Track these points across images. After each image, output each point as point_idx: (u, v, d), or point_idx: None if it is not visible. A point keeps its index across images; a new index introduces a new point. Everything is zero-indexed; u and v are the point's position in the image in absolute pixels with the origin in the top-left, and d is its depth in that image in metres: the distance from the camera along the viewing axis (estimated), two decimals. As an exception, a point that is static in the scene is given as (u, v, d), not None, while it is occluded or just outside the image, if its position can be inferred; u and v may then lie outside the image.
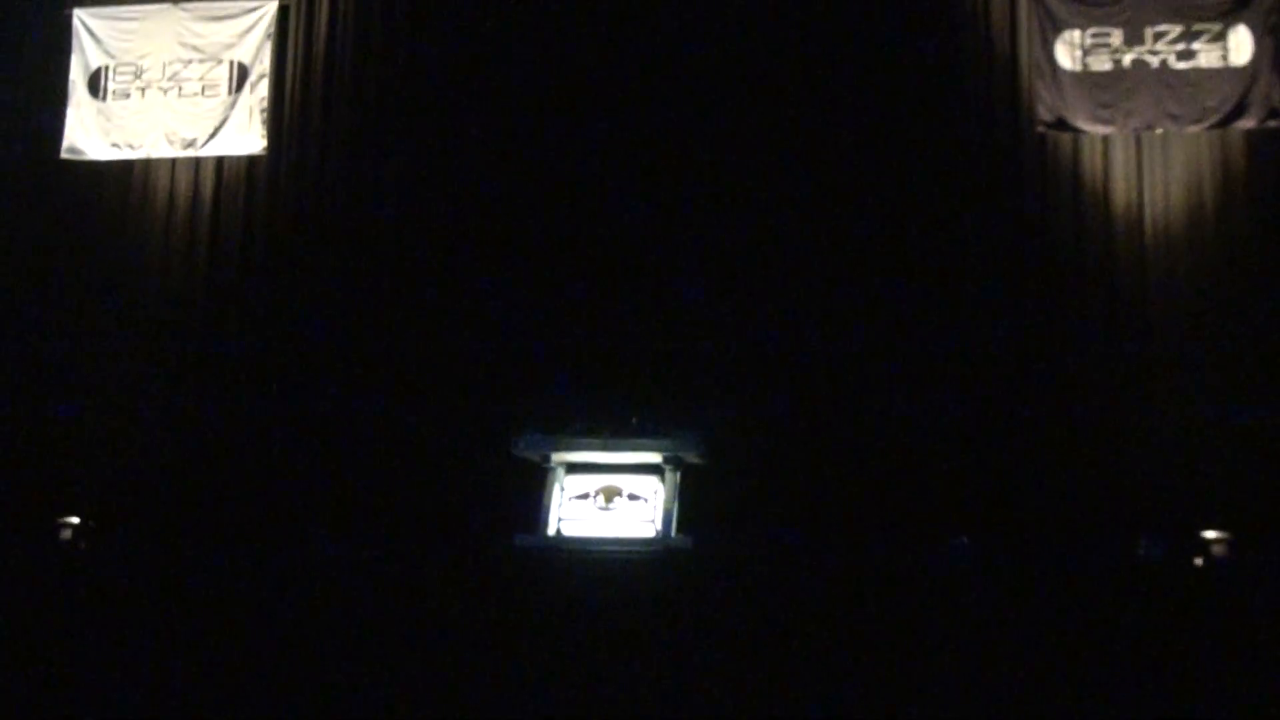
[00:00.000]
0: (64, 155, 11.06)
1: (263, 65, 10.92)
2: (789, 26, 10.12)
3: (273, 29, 10.93)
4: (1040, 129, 9.67)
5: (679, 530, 8.57)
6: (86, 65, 11.19)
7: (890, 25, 10.02)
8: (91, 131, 11.09)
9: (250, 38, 10.99)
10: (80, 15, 11.22)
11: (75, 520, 9.55)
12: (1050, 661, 7.01)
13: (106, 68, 11.18)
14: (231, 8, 11.08)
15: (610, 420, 8.97)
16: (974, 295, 9.60)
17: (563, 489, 8.81)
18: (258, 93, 10.91)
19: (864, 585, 7.53)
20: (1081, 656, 6.98)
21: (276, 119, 10.87)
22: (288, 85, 10.97)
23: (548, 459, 8.89)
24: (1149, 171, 9.59)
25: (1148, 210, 9.53)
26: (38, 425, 10.45)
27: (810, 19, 10.11)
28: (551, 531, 8.70)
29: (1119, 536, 8.58)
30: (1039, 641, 7.07)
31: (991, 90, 9.92)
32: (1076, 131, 9.63)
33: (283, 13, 10.97)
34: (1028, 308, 9.56)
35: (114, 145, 11.05)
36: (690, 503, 8.73)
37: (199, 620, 7.77)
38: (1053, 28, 9.64)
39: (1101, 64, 9.55)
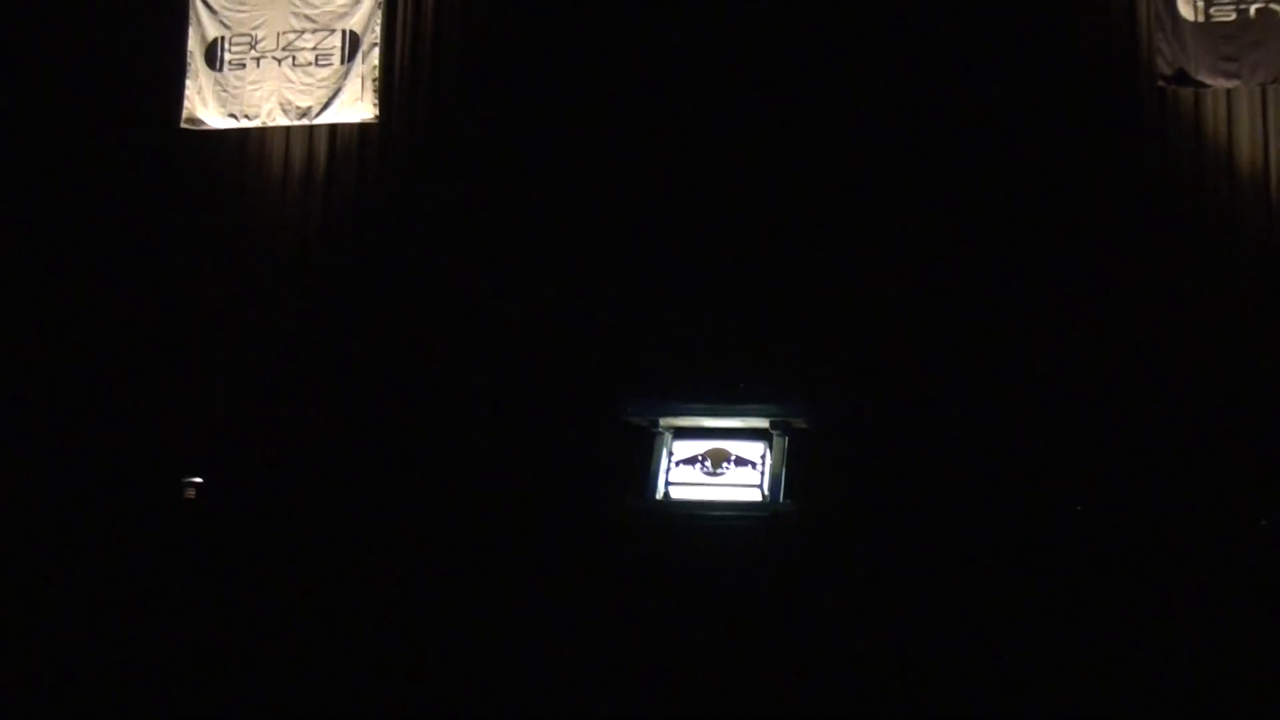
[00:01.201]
0: (183, 125, 11.33)
1: (374, 34, 11.05)
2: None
3: (383, -1, 11.07)
4: (1160, 83, 9.37)
5: (786, 496, 8.55)
6: (204, 36, 11.44)
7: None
8: (209, 102, 11.36)
9: (362, 6, 11.13)
10: (196, -12, 11.48)
11: (199, 480, 9.80)
12: (1173, 635, 6.87)
13: (222, 38, 11.41)
14: (344, -24, 11.24)
15: (718, 385, 8.96)
16: (1093, 259, 9.37)
17: (670, 453, 8.84)
18: (369, 61, 11.05)
19: (972, 553, 7.46)
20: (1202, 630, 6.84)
21: (387, 87, 11.00)
22: (397, 53, 11.09)
23: (655, 423, 8.91)
24: (1275, 127, 9.25)
25: (1274, 168, 9.21)
26: (159, 388, 10.73)
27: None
28: (659, 496, 8.73)
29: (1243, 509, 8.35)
30: (1154, 612, 6.94)
31: (1109, 44, 9.64)
32: (1198, 86, 9.31)
33: (393, -20, 11.09)
34: (1149, 270, 9.31)
35: (231, 115, 11.29)
36: (798, 468, 8.70)
37: (317, 582, 7.97)
38: (1171, -22, 9.33)
39: (1225, 14, 9.22)
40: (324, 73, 11.15)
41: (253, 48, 11.35)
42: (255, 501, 9.58)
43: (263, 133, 11.29)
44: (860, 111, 9.90)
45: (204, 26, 11.45)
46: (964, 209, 9.67)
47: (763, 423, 8.75)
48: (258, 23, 11.34)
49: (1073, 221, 9.50)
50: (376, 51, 11.02)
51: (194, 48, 11.43)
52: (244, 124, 11.29)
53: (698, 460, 8.81)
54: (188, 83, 11.37)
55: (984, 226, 9.62)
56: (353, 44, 11.11)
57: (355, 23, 11.12)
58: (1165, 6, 9.34)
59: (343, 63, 11.11)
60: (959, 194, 9.68)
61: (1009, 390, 9.23)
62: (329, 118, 11.09)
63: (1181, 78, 9.31)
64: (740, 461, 8.76)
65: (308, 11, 11.23)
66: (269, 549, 8.41)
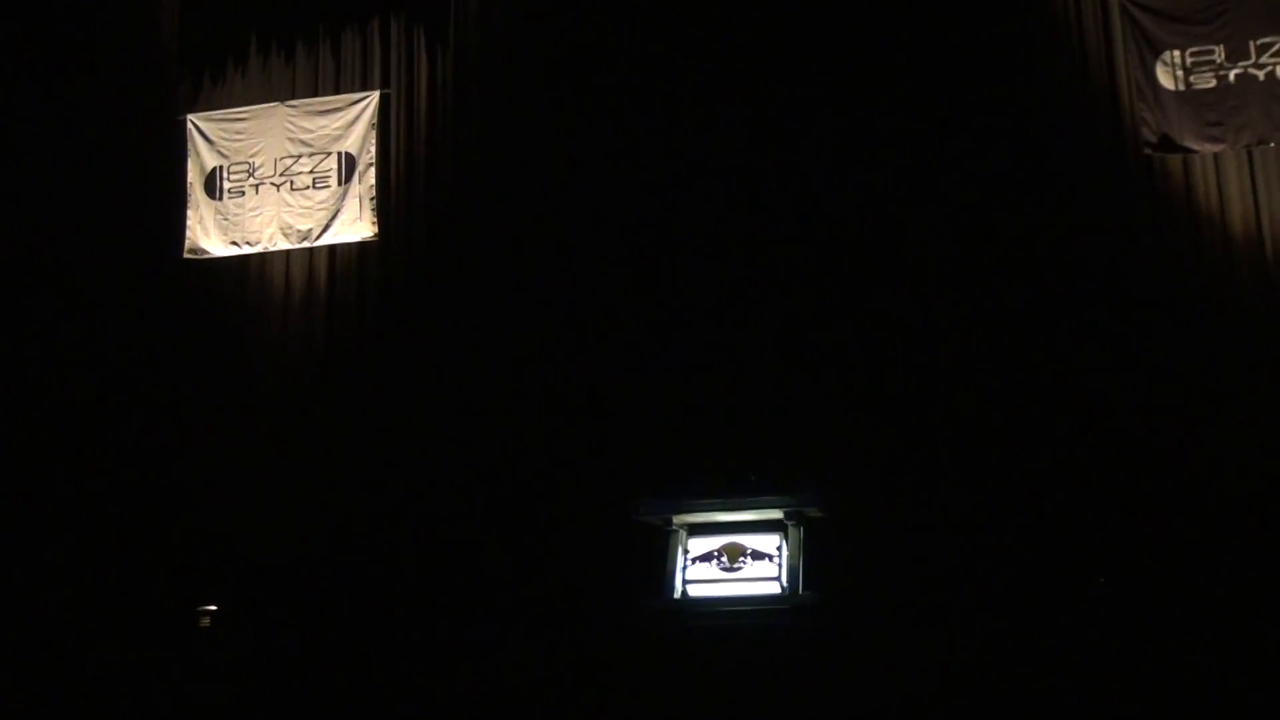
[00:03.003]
0: (186, 255, 11.46)
1: (369, 154, 11.22)
2: (886, 68, 10.05)
3: (376, 118, 11.24)
4: (1146, 151, 9.46)
5: (806, 586, 8.46)
6: (202, 167, 11.63)
7: (984, 58, 9.91)
8: (211, 231, 11.50)
9: (356, 128, 11.31)
10: (194, 120, 11.67)
11: (213, 608, 9.73)
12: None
13: (221, 168, 11.59)
14: (336, 101, 11.44)
15: (729, 478, 8.92)
16: (1092, 327, 9.37)
17: (686, 551, 8.78)
18: (366, 181, 11.20)
19: (998, 637, 7.35)
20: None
21: (384, 204, 11.14)
22: (392, 171, 11.25)
23: (669, 521, 8.87)
24: (1265, 187, 9.31)
25: (1266, 227, 9.24)
26: (169, 516, 10.71)
27: (906, 57, 10.03)
28: (677, 594, 8.65)
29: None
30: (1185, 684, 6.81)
31: (1092, 115, 9.74)
32: (1185, 152, 9.40)
33: (384, 101, 11.27)
34: (1148, 336, 9.30)
35: (233, 243, 11.42)
36: (815, 557, 8.62)
37: (334, 702, 7.88)
38: (1150, 49, 9.45)
39: (1205, 81, 9.33)
40: (322, 195, 11.29)
41: (251, 175, 11.52)
42: (268, 623, 9.51)
43: (263, 256, 11.41)
44: (856, 198, 9.98)
45: (202, 157, 11.64)
46: (965, 291, 9.70)
47: (777, 514, 8.70)
48: (255, 150, 11.53)
49: (1073, 295, 9.52)
50: (372, 171, 11.17)
51: (193, 178, 11.62)
52: (246, 250, 11.41)
53: (714, 556, 8.75)
54: (189, 213, 11.53)
55: (986, 307, 9.65)
56: (349, 165, 11.27)
57: (350, 144, 11.30)
58: (1145, 77, 9.47)
59: (340, 184, 11.26)
60: (959, 277, 9.72)
61: (1023, 471, 9.16)
62: (329, 239, 11.21)
63: (1167, 144, 9.40)
64: (757, 555, 8.70)
65: (303, 137, 11.42)
66: (283, 672, 8.31)
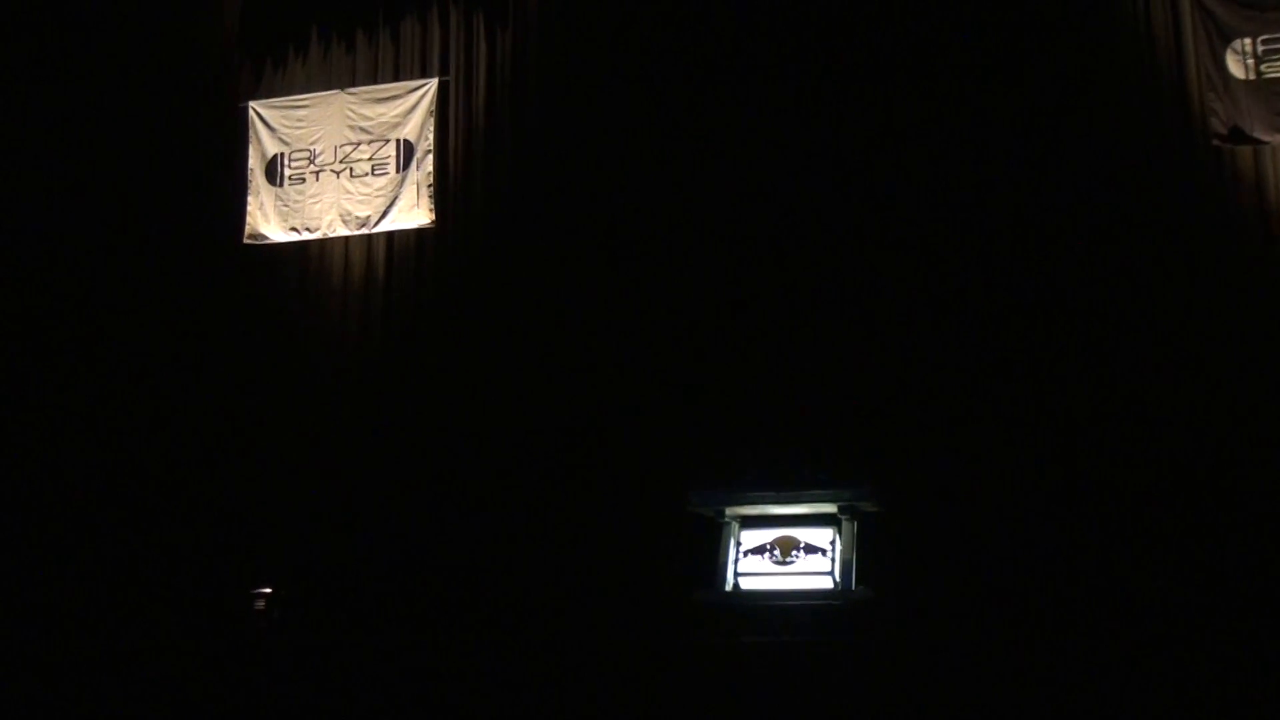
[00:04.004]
0: (246, 241, 11.57)
1: (427, 141, 11.25)
2: (953, 63, 9.90)
3: (434, 105, 11.27)
4: (1215, 142, 9.23)
5: (859, 581, 8.38)
6: (263, 154, 11.73)
7: (1048, 49, 9.73)
8: (271, 217, 11.60)
9: (414, 116, 11.34)
10: (255, 107, 11.78)
11: (268, 590, 9.83)
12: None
13: (282, 155, 11.68)
14: (395, 88, 11.48)
15: (783, 471, 8.84)
16: (1159, 321, 9.19)
17: (738, 543, 8.72)
18: (424, 168, 11.23)
19: (1054, 636, 7.24)
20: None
21: (441, 191, 11.17)
22: (450, 158, 11.27)
23: (722, 513, 8.82)
24: (1338, 180, 9.08)
25: (1339, 222, 9.01)
26: (226, 499, 10.84)
27: (971, 52, 9.87)
28: (729, 587, 8.61)
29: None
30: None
31: (1160, 107, 9.53)
32: (1255, 143, 9.16)
33: (443, 89, 11.29)
34: (1217, 330, 9.09)
35: (293, 229, 11.52)
36: (869, 552, 8.54)
37: (386, 688, 7.92)
38: (1221, 37, 9.21)
39: (1277, 70, 9.08)
40: (380, 182, 11.34)
41: (311, 162, 11.60)
42: (325, 608, 9.59)
43: (322, 242, 11.49)
44: (919, 190, 9.84)
45: (263, 144, 11.74)
46: (1029, 285, 9.54)
47: (831, 508, 8.62)
48: (315, 138, 11.61)
49: (1140, 289, 9.33)
50: (430, 158, 11.20)
51: (255, 165, 11.71)
52: (305, 237, 11.50)
53: (766, 549, 8.69)
54: (249, 199, 11.64)
55: (1050, 301, 9.47)
56: (407, 153, 11.31)
57: (409, 132, 11.33)
58: (1215, 66, 9.23)
59: (398, 171, 11.30)
60: (1023, 270, 9.56)
61: (1084, 468, 9.01)
62: (387, 225, 11.26)
63: (1238, 135, 9.16)
64: (810, 549, 8.63)
65: (363, 124, 11.47)
66: (339, 657, 8.37)
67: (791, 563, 8.60)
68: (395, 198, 11.26)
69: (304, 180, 11.59)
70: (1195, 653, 6.83)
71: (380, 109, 11.46)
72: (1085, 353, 9.28)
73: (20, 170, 11.46)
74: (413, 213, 11.20)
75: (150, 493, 10.93)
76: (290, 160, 11.68)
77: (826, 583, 8.43)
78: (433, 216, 11.12)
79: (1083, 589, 8.25)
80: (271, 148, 11.72)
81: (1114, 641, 7.17)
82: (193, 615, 9.47)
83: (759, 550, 8.68)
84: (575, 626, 8.47)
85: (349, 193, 11.42)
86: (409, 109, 11.37)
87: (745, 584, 8.61)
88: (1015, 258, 9.55)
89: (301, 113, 11.69)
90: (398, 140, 11.36)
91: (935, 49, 9.91)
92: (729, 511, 8.80)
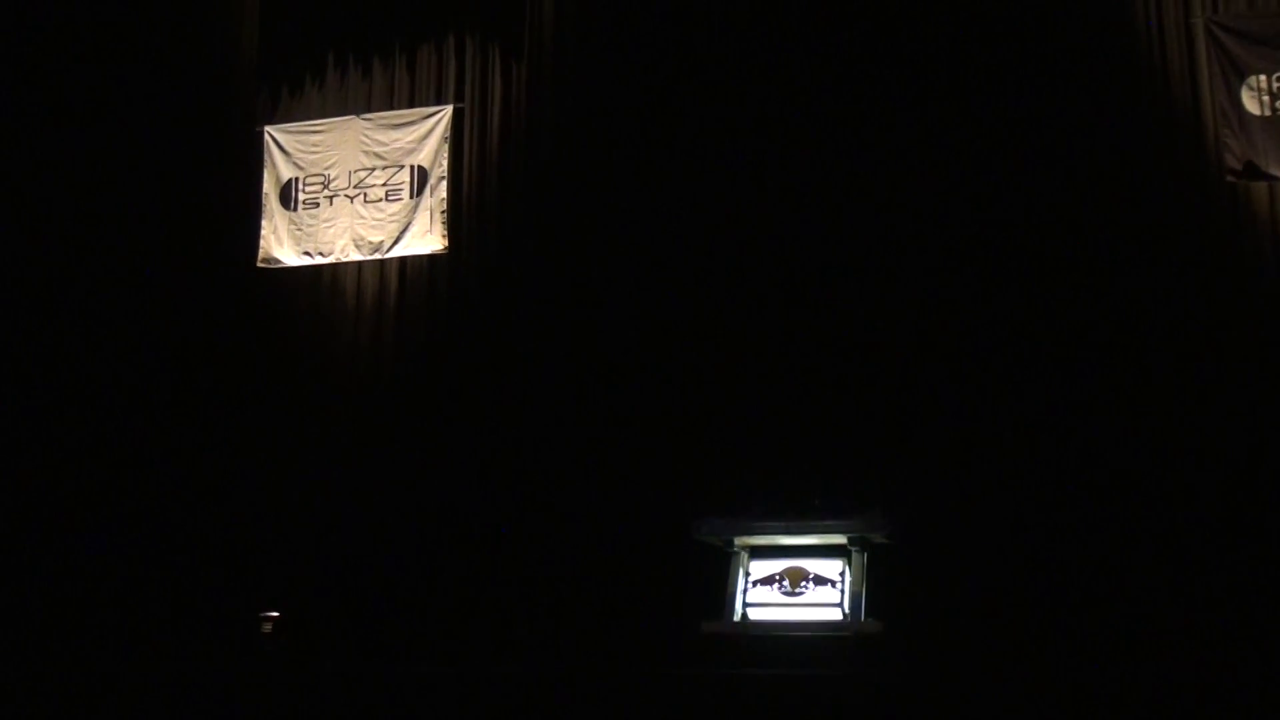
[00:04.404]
0: (260, 264, 11.60)
1: (441, 168, 11.27)
2: (966, 90, 9.91)
3: (449, 132, 11.31)
4: (1230, 178, 9.23)
5: (869, 614, 8.33)
6: (278, 178, 11.77)
7: (1063, 80, 9.73)
8: (285, 241, 11.63)
9: (429, 142, 11.38)
10: (270, 131, 11.83)
11: (275, 614, 9.79)
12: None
13: (296, 179, 11.73)
14: (410, 115, 11.52)
15: (792, 502, 8.80)
16: (1173, 355, 9.16)
17: (747, 574, 8.68)
18: (438, 195, 11.25)
19: (1068, 669, 7.17)
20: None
21: (455, 218, 11.19)
22: (464, 185, 11.29)
23: (730, 543, 8.78)
24: (1354, 217, 9.06)
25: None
26: (234, 523, 10.83)
27: (985, 79, 9.88)
28: (737, 618, 8.56)
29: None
30: None
31: (1175, 142, 9.54)
32: (1270, 179, 9.17)
33: (457, 115, 11.34)
34: (1231, 366, 9.06)
35: (306, 253, 11.54)
36: (879, 584, 8.49)
37: (391, 711, 7.86)
38: (1235, 73, 9.24)
39: (1292, 106, 9.10)
40: (394, 208, 11.37)
41: (325, 187, 11.63)
42: (330, 629, 9.56)
43: (334, 267, 11.51)
44: (926, 219, 9.84)
45: (278, 168, 11.78)
46: (1039, 316, 9.51)
47: (840, 539, 8.58)
48: (330, 163, 11.65)
49: (1154, 323, 9.31)
50: (444, 185, 11.23)
51: (269, 189, 11.76)
52: (319, 261, 11.52)
53: (775, 580, 8.64)
54: (263, 223, 11.68)
55: (1061, 333, 9.45)
56: (421, 179, 11.34)
57: (423, 158, 11.37)
58: (1230, 102, 9.25)
59: (412, 197, 11.33)
60: (1034, 301, 9.54)
61: (1095, 499, 8.96)
62: (400, 251, 11.27)
63: (1252, 172, 9.17)
64: (819, 580, 8.58)
65: (377, 149, 11.52)
66: (344, 678, 8.32)
67: (801, 594, 8.56)
68: (409, 223, 11.29)
69: (318, 205, 11.63)
70: (1219, 685, 6.75)
71: (395, 135, 11.50)
72: (1097, 385, 9.23)
73: (38, 193, 11.53)
74: (426, 239, 11.22)
75: (163, 512, 10.93)
76: (304, 185, 11.72)
77: (836, 614, 8.39)
78: (446, 242, 11.14)
79: (1100, 622, 8.17)
80: (286, 172, 11.77)
81: (1133, 673, 7.09)
82: (201, 635, 9.43)
83: (768, 581, 8.64)
84: (583, 656, 8.40)
85: (362, 218, 11.45)
86: (423, 135, 11.41)
87: (754, 614, 8.57)
88: (1027, 290, 9.53)
89: (316, 138, 11.73)
90: (412, 166, 11.40)
91: (949, 81, 9.93)
92: (738, 541, 8.76)
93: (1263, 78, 9.19)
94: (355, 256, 11.40)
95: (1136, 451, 8.98)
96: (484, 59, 11.46)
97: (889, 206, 9.89)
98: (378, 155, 11.51)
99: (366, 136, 11.56)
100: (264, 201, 11.73)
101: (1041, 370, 9.37)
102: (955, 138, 9.82)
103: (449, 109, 11.37)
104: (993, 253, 9.67)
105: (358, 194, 11.52)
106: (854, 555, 8.49)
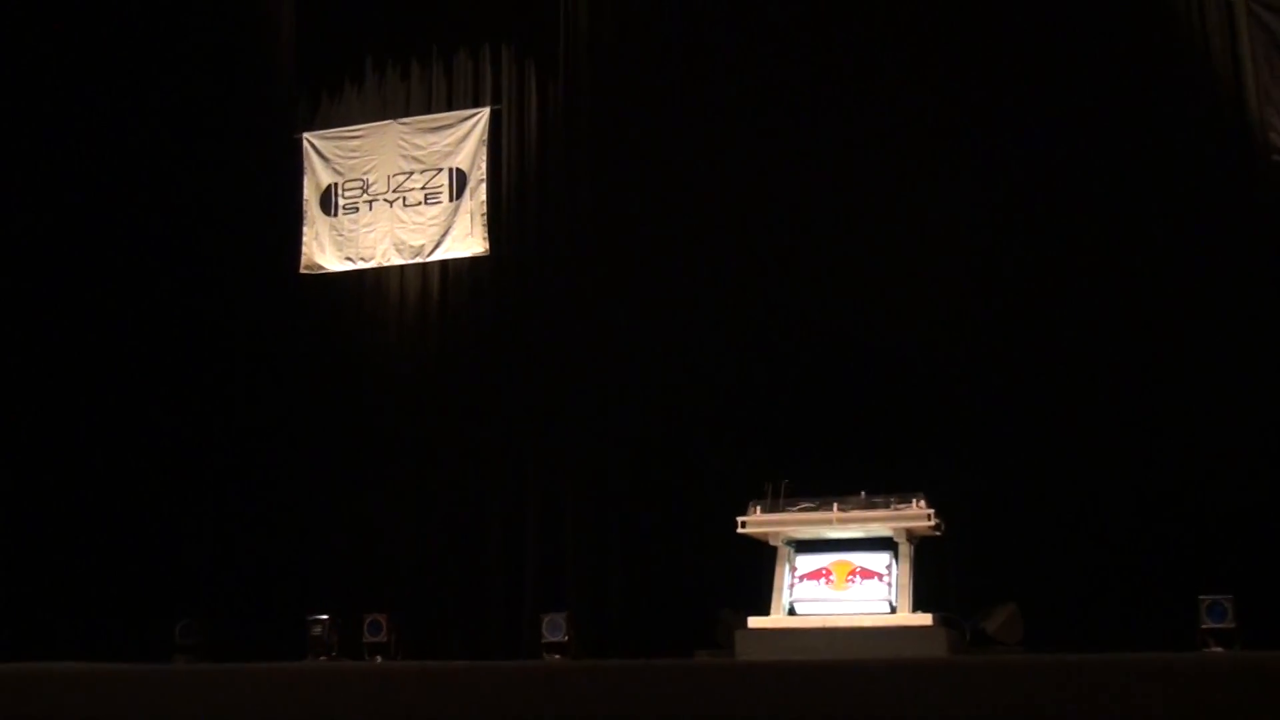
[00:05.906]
0: (303, 271, 11.69)
1: (480, 170, 11.31)
2: (1007, 77, 9.81)
3: (487, 134, 11.33)
4: (1275, 157, 9.09)
5: (916, 608, 8.26)
6: (318, 184, 11.85)
7: (1102, 62, 9.62)
8: (326, 247, 11.70)
9: (467, 144, 11.41)
10: (309, 138, 11.91)
11: (325, 617, 9.86)
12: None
13: (336, 185, 11.80)
14: (448, 118, 11.57)
15: (839, 494, 8.74)
16: (1215, 340, 9.03)
17: (793, 568, 8.64)
18: (477, 197, 11.28)
19: (1115, 658, 7.07)
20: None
21: (495, 220, 11.21)
22: (503, 186, 11.31)
23: (777, 537, 8.74)
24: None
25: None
26: (285, 525, 10.93)
27: (1024, 64, 9.78)
28: (784, 612, 8.51)
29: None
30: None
31: (1217, 123, 9.40)
32: (1316, 159, 9.03)
33: (495, 117, 11.36)
34: (1273, 351, 8.92)
35: (348, 259, 11.61)
36: (927, 578, 8.42)
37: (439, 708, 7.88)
38: (1278, 52, 9.09)
39: (1338, 86, 8.95)
40: (434, 211, 11.41)
41: (365, 191, 11.70)
42: (377, 629, 9.62)
43: (377, 270, 11.57)
44: (974, 210, 9.75)
45: (318, 174, 11.86)
46: (1083, 303, 9.41)
47: (887, 532, 8.51)
48: (369, 167, 11.71)
49: (1196, 307, 9.18)
50: (484, 187, 11.26)
51: (309, 196, 11.84)
52: (360, 266, 11.58)
53: (821, 574, 8.59)
54: (305, 230, 11.76)
55: (1106, 319, 9.34)
56: (460, 181, 11.38)
57: (461, 160, 11.40)
58: (1273, 81, 9.11)
59: (451, 200, 11.37)
60: (1079, 288, 9.44)
61: (1143, 492, 8.85)
62: (441, 254, 11.32)
63: (1296, 151, 9.03)
64: (866, 574, 8.51)
65: (415, 153, 11.56)
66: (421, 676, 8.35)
67: (848, 588, 8.50)
68: (449, 226, 11.33)
69: (358, 210, 11.69)
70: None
71: (432, 138, 11.55)
72: (1143, 369, 9.12)
73: (81, 203, 11.67)
74: (466, 241, 11.26)
75: (208, 515, 11.03)
76: (344, 190, 11.80)
77: (884, 608, 8.32)
78: (487, 245, 11.17)
79: (1152, 608, 8.07)
80: (325, 178, 11.85)
81: (1183, 662, 6.99)
82: (251, 637, 9.51)
83: (814, 575, 8.59)
84: (627, 651, 8.39)
85: (403, 222, 11.51)
86: (461, 138, 11.45)
87: (800, 609, 8.52)
88: (1071, 275, 9.42)
89: (355, 143, 11.81)
90: (450, 169, 11.44)
91: (988, 64, 9.85)
92: (784, 535, 8.71)
93: (1308, 55, 9.04)
94: (397, 261, 11.46)
95: (1188, 438, 8.85)
96: (520, 64, 11.46)
97: (927, 197, 9.81)
98: (416, 159, 11.56)
99: (404, 140, 11.61)
100: (305, 208, 11.83)
101: (1084, 357, 9.27)
102: (998, 122, 9.73)
103: (486, 111, 11.40)
104: (1038, 239, 9.57)
105: (397, 198, 11.58)
106: (902, 548, 8.42)
